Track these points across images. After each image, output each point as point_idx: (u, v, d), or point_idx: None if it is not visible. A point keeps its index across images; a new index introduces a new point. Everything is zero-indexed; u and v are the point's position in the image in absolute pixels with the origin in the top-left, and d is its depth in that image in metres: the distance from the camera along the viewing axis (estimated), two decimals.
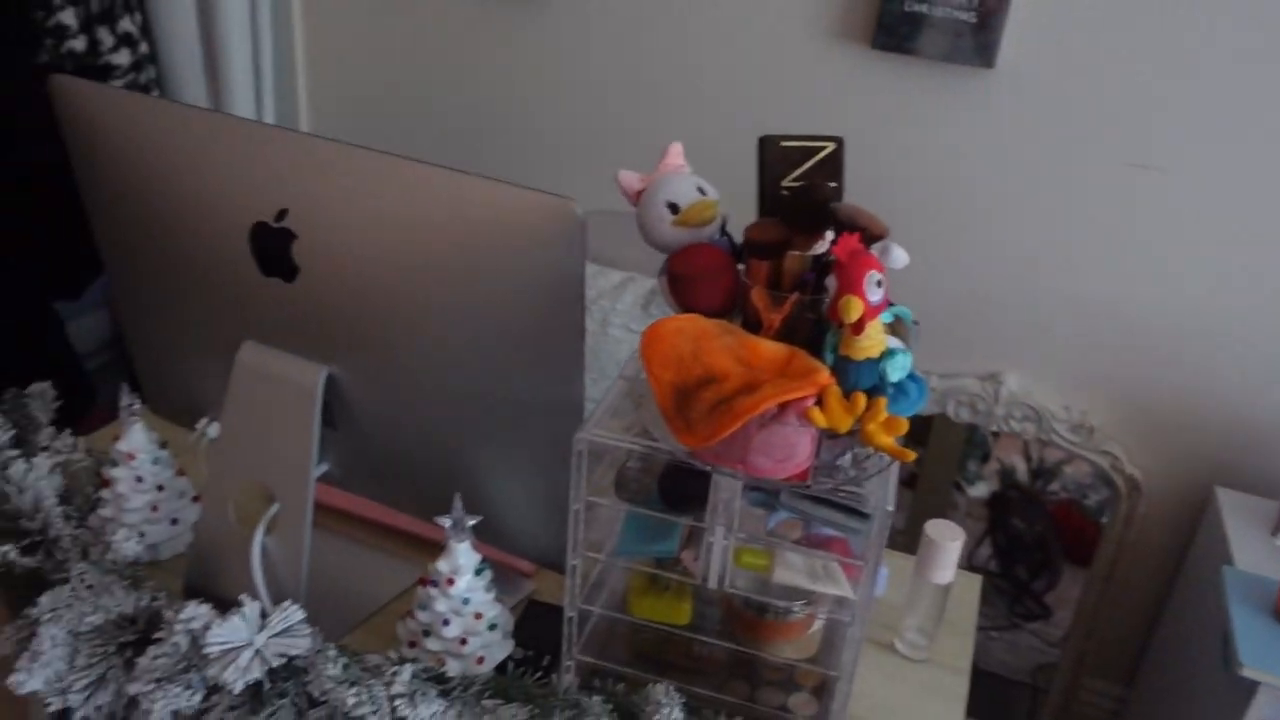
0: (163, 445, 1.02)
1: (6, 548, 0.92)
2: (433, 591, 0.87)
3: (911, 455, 0.66)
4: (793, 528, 0.80)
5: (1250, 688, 1.20)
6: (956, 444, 1.84)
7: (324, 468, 0.95)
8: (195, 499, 1.05)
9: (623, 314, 1.62)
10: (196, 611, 0.80)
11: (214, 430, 1.03)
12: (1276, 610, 1.25)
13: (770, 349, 0.70)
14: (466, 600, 0.87)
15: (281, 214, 0.82)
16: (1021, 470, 1.78)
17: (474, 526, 0.87)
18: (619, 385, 0.83)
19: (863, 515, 0.75)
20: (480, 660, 0.89)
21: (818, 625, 0.86)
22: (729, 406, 0.67)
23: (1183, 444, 1.64)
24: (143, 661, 0.85)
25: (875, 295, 0.66)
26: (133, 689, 0.84)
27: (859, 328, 0.66)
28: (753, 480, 0.71)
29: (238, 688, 0.79)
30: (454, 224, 0.77)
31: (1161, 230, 1.56)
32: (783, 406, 0.67)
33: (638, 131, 1.89)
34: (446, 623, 0.87)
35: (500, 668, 0.91)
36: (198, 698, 0.85)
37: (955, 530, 0.95)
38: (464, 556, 0.87)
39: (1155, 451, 1.66)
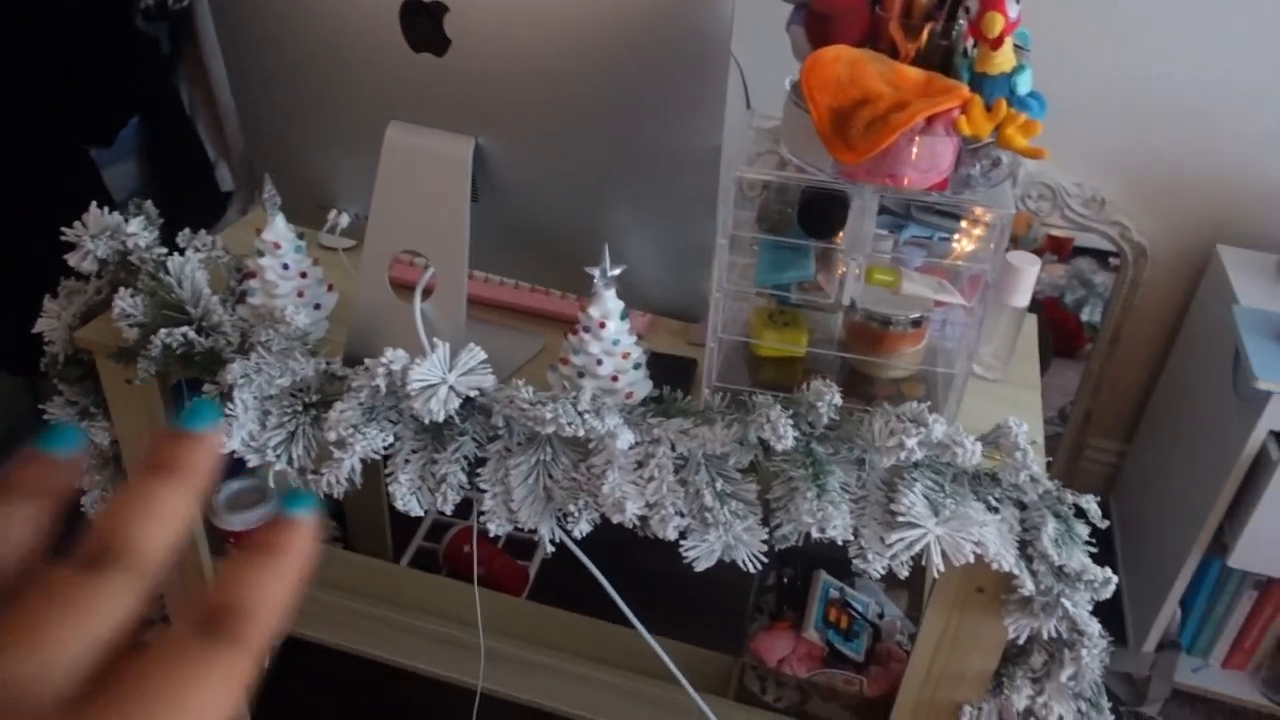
0: (300, 235, 1.09)
1: (184, 329, 1.00)
2: (585, 336, 0.98)
3: (1045, 153, 0.77)
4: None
5: (1262, 400, 1.36)
6: None
7: None
8: (330, 287, 1.13)
9: None
10: (396, 355, 0.90)
11: (344, 220, 1.11)
12: None
13: (913, 73, 0.79)
14: (616, 341, 0.98)
15: None
16: None
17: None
18: (750, 133, 0.92)
19: (985, 225, 0.86)
20: (629, 395, 1.01)
21: (928, 337, 0.99)
22: (884, 122, 0.76)
23: (1186, 208, 1.77)
24: (333, 414, 0.95)
25: (1014, 11, 0.75)
26: (332, 436, 0.95)
27: (998, 43, 0.75)
28: (899, 193, 0.81)
29: (439, 418, 0.90)
30: None
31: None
32: (930, 119, 0.77)
33: None
34: (600, 362, 0.98)
35: (642, 401, 1.03)
36: (390, 438, 0.96)
37: (1032, 258, 1.07)
38: (611, 302, 0.97)
39: (1160, 218, 1.79)
